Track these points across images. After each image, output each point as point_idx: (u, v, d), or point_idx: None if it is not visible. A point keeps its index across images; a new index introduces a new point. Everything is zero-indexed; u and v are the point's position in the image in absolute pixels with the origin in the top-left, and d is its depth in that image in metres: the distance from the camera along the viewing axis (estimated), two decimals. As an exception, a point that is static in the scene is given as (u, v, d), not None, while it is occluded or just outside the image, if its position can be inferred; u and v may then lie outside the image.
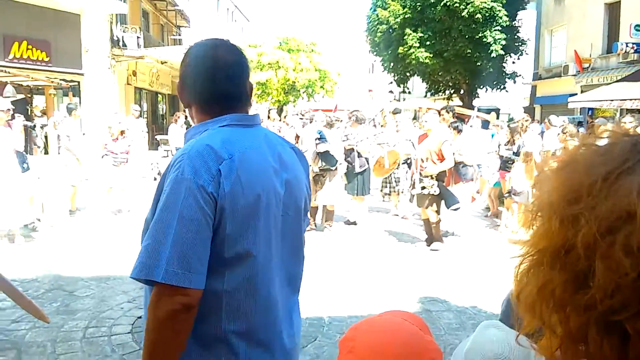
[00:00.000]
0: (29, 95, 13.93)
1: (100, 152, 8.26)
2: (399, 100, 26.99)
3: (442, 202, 6.41)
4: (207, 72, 1.41)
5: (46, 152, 10.92)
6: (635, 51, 16.17)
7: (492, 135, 9.59)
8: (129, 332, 3.96)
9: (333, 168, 7.28)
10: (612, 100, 14.89)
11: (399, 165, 8.25)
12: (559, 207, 0.54)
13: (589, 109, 17.31)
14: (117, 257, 5.55)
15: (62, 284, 4.97)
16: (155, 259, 1.20)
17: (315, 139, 7.14)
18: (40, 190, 7.40)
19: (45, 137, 10.17)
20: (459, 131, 7.33)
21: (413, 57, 21.88)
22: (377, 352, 0.97)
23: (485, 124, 11.19)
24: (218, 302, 1.31)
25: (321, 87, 28.69)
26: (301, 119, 10.04)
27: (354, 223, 8.03)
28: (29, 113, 11.23)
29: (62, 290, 4.80)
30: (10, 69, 11.73)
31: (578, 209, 0.51)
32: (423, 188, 6.36)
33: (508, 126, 8.47)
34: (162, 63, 20.29)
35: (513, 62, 23.05)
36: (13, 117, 7.00)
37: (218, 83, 1.41)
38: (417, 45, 21.72)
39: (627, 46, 16.21)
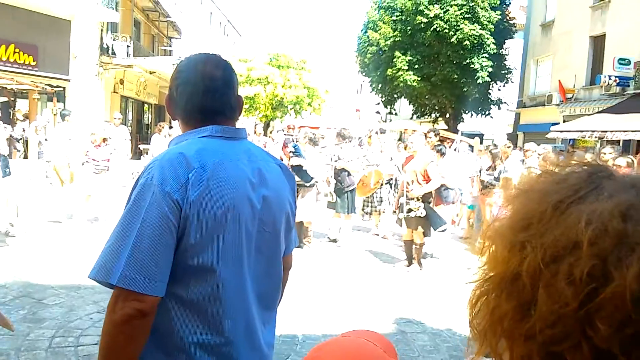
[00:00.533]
0: (12, 99, 13.77)
1: (82, 158, 8.17)
2: (385, 121, 27.24)
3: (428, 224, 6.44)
4: (192, 86, 1.42)
5: (25, 157, 10.77)
6: (618, 84, 16.58)
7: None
8: (96, 344, 3.85)
9: (307, 184, 7.27)
10: (593, 131, 15.20)
11: (381, 185, 8.28)
12: (508, 233, 0.53)
13: (570, 139, 17.64)
14: (89, 266, 5.42)
15: (31, 291, 4.85)
16: (114, 261, 1.19)
17: (289, 152, 7.16)
18: (16, 193, 7.26)
19: (26, 141, 10.02)
20: (442, 154, 7.39)
21: (401, 79, 22.21)
22: None
23: (471, 148, 11.33)
24: (182, 312, 1.28)
25: (309, 104, 28.84)
26: (285, 134, 10.06)
27: (334, 240, 8.02)
28: (11, 117, 11.07)
29: (31, 298, 4.68)
30: (-5, 71, 11.61)
31: (526, 236, 0.51)
32: (410, 211, 6.36)
33: (490, 151, 8.57)
34: (150, 73, 20.26)
35: (499, 89, 23.52)
36: None
37: (202, 96, 1.41)
38: (406, 68, 22.07)
39: (610, 79, 16.62)
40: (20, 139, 11.92)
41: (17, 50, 14.27)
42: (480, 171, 8.45)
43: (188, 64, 1.46)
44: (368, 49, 24.12)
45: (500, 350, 0.54)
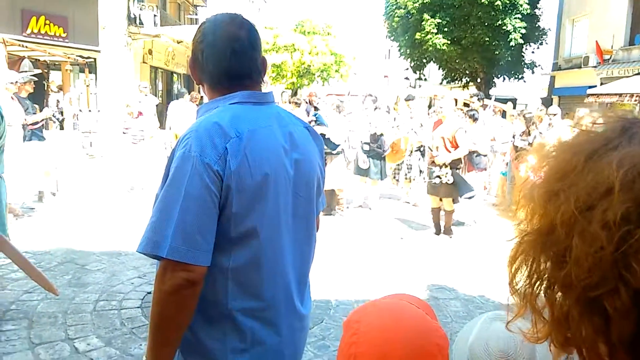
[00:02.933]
0: (46, 71, 14.00)
1: (119, 128, 8.36)
2: (414, 87, 26.74)
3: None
4: (217, 49, 1.38)
5: (61, 128, 11.02)
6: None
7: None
8: (138, 307, 4.01)
9: (334, 152, 7.26)
10: (632, 94, 14.61)
11: (412, 152, 8.20)
12: (543, 187, 0.54)
13: (608, 102, 17.02)
14: (129, 234, 5.60)
15: (75, 257, 5.05)
16: (161, 234, 1.22)
17: (310, 121, 7.12)
18: (55, 164, 7.49)
19: (61, 112, 10.26)
20: (475, 119, 7.25)
21: (430, 43, 21.63)
22: (382, 337, 0.94)
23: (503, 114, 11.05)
24: (224, 280, 1.32)
25: (336, 71, 28.48)
26: (304, 102, 9.92)
27: (361, 207, 8.06)
28: (45, 88, 11.30)
29: (74, 264, 4.88)
30: (28, 43, 11.78)
31: (560, 186, 0.52)
32: (437, 177, 6.30)
33: (524, 116, 8.35)
34: (177, 42, 20.24)
35: (532, 52, 22.71)
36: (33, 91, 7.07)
37: (228, 59, 1.38)
38: (435, 31, 21.46)
39: (650, 39, 15.84)
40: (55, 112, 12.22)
41: (47, 21, 14.45)
42: (513, 137, 8.26)
43: (212, 26, 1.42)
44: (396, 12, 23.50)
45: (540, 307, 0.55)
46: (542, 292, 0.54)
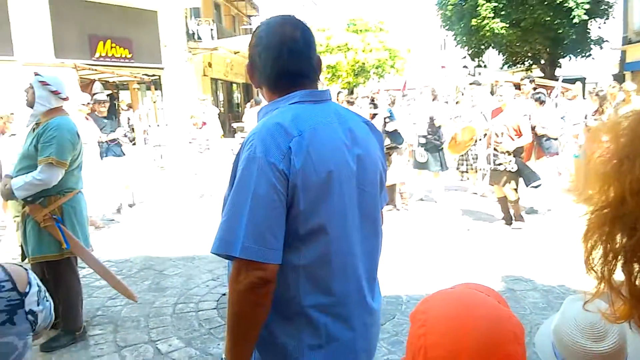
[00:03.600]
0: (115, 91, 14.87)
1: (186, 140, 8.73)
2: (473, 75, 25.96)
3: (521, 179, 6.14)
4: (273, 50, 1.40)
5: (134, 143, 11.64)
6: None
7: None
8: (214, 308, 4.16)
9: (400, 146, 7.19)
10: None
11: (476, 141, 7.96)
12: (612, 158, 0.52)
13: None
14: (201, 238, 5.83)
15: (153, 264, 5.31)
16: (233, 235, 1.25)
17: (385, 118, 7.06)
18: (133, 178, 7.93)
19: (132, 129, 10.83)
20: (542, 102, 6.94)
21: (487, 28, 20.88)
22: (452, 326, 0.90)
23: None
24: (296, 277, 1.34)
25: (391, 66, 28.17)
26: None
27: (434, 201, 7.93)
28: (116, 107, 12.00)
29: (153, 270, 5.13)
30: (97, 66, 12.55)
31: (627, 155, 0.50)
32: (499, 164, 6.10)
33: (597, 94, 7.87)
34: (235, 53, 20.85)
35: (599, 27, 21.34)
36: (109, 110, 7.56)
37: (285, 60, 1.40)
38: (492, 15, 20.69)
39: None
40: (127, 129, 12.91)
41: (113, 45, 15.35)
42: (586, 117, 7.82)
43: (267, 29, 1.43)
44: (449, 0, 22.91)
45: (617, 285, 0.52)
46: (619, 268, 0.52)
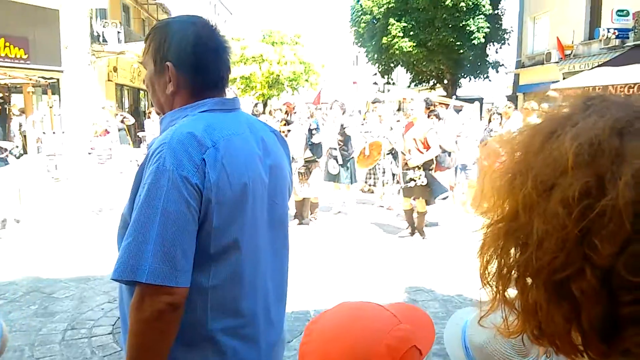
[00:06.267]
0: (7, 94, 13.64)
1: (85, 149, 8.15)
2: (383, 92, 27.02)
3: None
4: (188, 53, 1.30)
5: (24, 152, 10.73)
6: (617, 37, 16.26)
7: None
8: (109, 333, 3.88)
9: (319, 160, 7.24)
10: (594, 87, 14.98)
11: (384, 155, 8.22)
12: (504, 171, 0.52)
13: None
14: (97, 257, 5.45)
15: (41, 285, 4.87)
16: (138, 257, 1.12)
17: (312, 129, 7.05)
18: (19, 189, 7.26)
19: (24, 136, 9.98)
20: (439, 118, 7.37)
21: (397, 47, 21.90)
22: (327, 339, 0.93)
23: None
24: (203, 299, 1.24)
25: (306, 80, 28.55)
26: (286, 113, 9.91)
27: (339, 213, 8.04)
28: (7, 112, 10.99)
29: (41, 292, 4.70)
30: (-14, 67, 11.48)
31: (519, 169, 0.50)
32: (411, 180, 6.32)
33: (487, 110, 8.46)
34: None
35: (496, 51, 23.16)
36: None
37: (204, 64, 1.32)
38: (401, 35, 21.74)
39: (608, 32, 16.30)
40: (14, 135, 11.86)
41: (7, 44, 14.08)
42: (483, 132, 8.36)
43: (171, 28, 1.34)
44: (362, 18, 23.74)
45: (512, 299, 0.53)
46: (512, 282, 0.52)
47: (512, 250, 0.50)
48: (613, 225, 0.42)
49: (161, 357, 1.18)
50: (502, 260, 0.52)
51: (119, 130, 9.49)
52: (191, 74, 1.32)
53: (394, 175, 8.10)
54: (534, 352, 1.22)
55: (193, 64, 1.31)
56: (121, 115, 10.72)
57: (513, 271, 0.51)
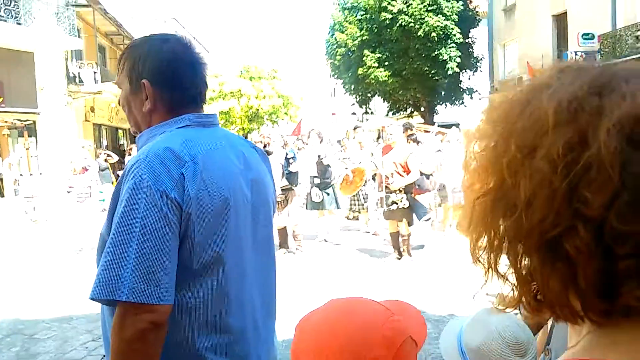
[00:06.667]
0: (-18, 138, 13.45)
1: (64, 189, 8.03)
2: (362, 121, 27.39)
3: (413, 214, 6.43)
4: (166, 70, 1.30)
5: (1, 195, 10.51)
6: (585, 59, 16.84)
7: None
8: (94, 372, 3.74)
9: (295, 188, 7.25)
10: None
11: (366, 181, 8.26)
12: (483, 143, 0.52)
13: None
14: (79, 296, 5.28)
15: (22, 327, 4.69)
16: (117, 275, 1.08)
17: (289, 158, 7.07)
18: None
19: (1, 179, 9.79)
20: (417, 142, 7.47)
21: (373, 77, 22.32)
22: (323, 330, 0.93)
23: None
24: (189, 317, 1.20)
25: (285, 113, 28.81)
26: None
27: (325, 240, 8.00)
28: (-18, 155, 10.84)
29: (22, 334, 4.52)
30: (-39, 110, 11.34)
31: (499, 136, 0.50)
32: (393, 203, 6.35)
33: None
34: (121, 97, 20.00)
35: (469, 78, 23.75)
36: None
37: (174, 82, 1.31)
38: (376, 65, 22.19)
39: (576, 55, 16.90)
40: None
41: (-19, 88, 13.98)
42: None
43: (146, 47, 1.34)
44: (337, 51, 24.21)
45: (505, 272, 0.52)
46: (504, 252, 0.51)
47: (501, 220, 0.50)
48: (601, 177, 0.42)
49: None
50: (492, 232, 0.51)
51: (103, 169, 9.39)
52: (168, 90, 1.31)
53: (380, 199, 8.14)
54: (531, 351, 1.22)
55: (169, 80, 1.31)
56: (104, 153, 10.64)
57: (503, 241, 0.50)
